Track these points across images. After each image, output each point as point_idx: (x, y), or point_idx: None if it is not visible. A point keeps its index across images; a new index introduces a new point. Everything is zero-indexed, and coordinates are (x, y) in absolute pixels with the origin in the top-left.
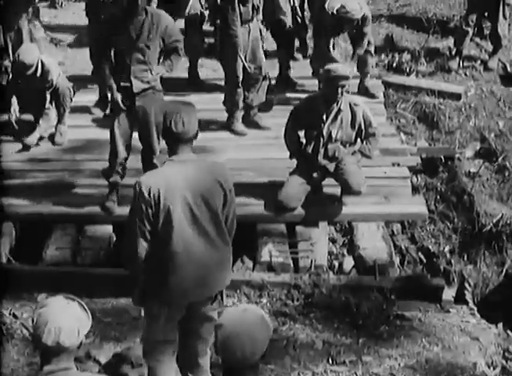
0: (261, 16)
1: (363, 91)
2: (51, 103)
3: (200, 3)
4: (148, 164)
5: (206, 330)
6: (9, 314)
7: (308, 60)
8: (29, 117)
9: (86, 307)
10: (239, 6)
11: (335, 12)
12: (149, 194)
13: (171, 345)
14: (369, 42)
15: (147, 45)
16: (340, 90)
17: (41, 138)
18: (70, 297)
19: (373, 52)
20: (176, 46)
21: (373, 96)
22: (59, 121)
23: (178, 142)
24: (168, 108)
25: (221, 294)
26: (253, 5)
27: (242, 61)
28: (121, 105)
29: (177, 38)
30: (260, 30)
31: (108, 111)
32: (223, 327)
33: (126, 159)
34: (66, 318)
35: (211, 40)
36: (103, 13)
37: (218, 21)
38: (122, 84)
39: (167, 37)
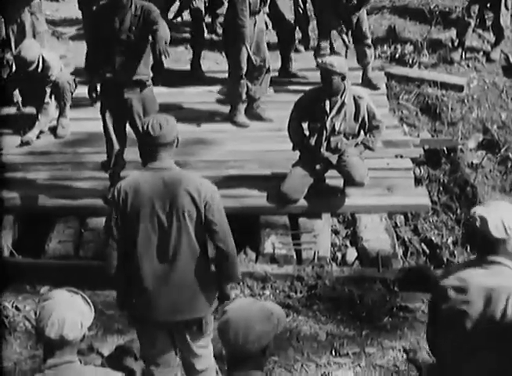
0: (267, 9)
1: (366, 82)
2: (50, 97)
3: None
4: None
5: (198, 362)
6: (12, 307)
7: (310, 52)
8: (30, 110)
9: (89, 300)
10: None
11: None
12: (118, 198)
13: (165, 356)
14: (365, 34)
15: (129, 36)
16: (333, 83)
17: (40, 132)
18: (72, 290)
19: (370, 43)
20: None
21: (375, 87)
22: (61, 114)
23: (155, 148)
24: (145, 118)
25: (201, 323)
26: None
27: (248, 52)
28: (93, 96)
29: (167, 44)
30: (266, 23)
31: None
32: (225, 312)
33: (122, 150)
34: (70, 311)
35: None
36: (95, 5)
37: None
38: (108, 76)
39: (159, 40)
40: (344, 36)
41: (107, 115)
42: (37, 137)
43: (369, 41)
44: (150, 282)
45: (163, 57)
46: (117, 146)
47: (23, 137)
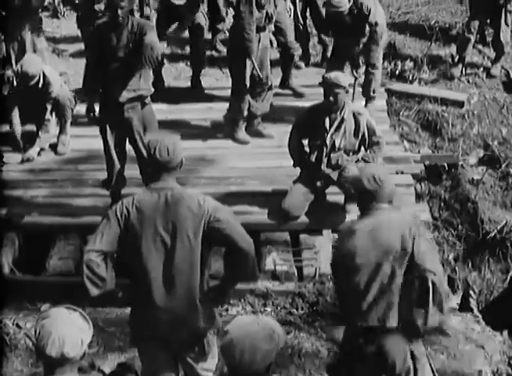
0: (272, 27)
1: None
2: (51, 114)
3: (203, 13)
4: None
5: None
6: (13, 324)
7: (311, 68)
8: (30, 127)
9: (87, 317)
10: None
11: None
12: (120, 215)
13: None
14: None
15: (126, 53)
16: (333, 98)
17: (41, 149)
18: (71, 307)
19: (378, 75)
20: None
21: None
22: (61, 131)
23: (162, 171)
24: (152, 137)
25: (203, 344)
26: (267, 13)
27: (254, 67)
28: (92, 116)
29: (153, 50)
30: (270, 41)
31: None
32: (228, 333)
33: (123, 168)
34: (69, 329)
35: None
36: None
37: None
38: (108, 94)
39: (145, 48)
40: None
41: (107, 134)
42: (38, 154)
43: (377, 73)
44: (152, 300)
45: (148, 66)
46: (117, 165)
47: (24, 154)
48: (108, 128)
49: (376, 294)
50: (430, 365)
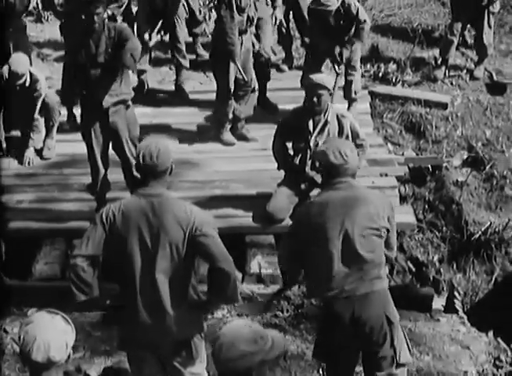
0: (253, 29)
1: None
2: (40, 114)
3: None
4: (130, 177)
5: None
6: (0, 329)
7: (294, 72)
8: (16, 132)
9: (69, 319)
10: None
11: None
12: (105, 220)
13: None
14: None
15: (106, 58)
16: (316, 99)
17: (35, 150)
18: (53, 311)
19: (358, 75)
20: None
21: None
22: (47, 135)
23: (149, 176)
24: (141, 143)
25: (190, 348)
26: (248, 17)
27: (238, 70)
28: (72, 121)
29: (133, 55)
30: (252, 43)
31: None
32: (217, 336)
33: (106, 172)
34: (53, 332)
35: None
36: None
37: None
38: (91, 100)
39: (124, 53)
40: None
41: (91, 139)
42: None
43: (357, 74)
44: (138, 305)
45: (130, 70)
46: (102, 169)
47: (24, 159)
48: (91, 133)
49: (348, 264)
50: (402, 330)
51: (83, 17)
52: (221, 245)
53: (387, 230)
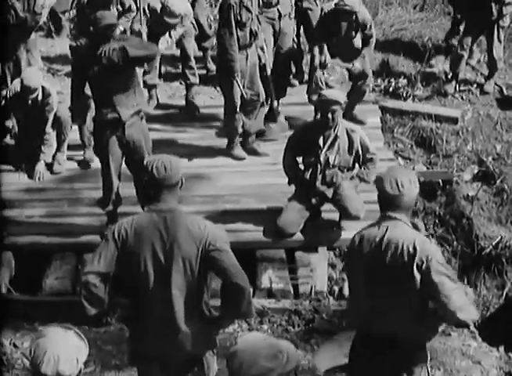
0: (260, 42)
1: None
2: (53, 128)
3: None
4: (142, 192)
5: None
6: (10, 344)
7: (305, 86)
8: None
9: (83, 335)
10: (236, 31)
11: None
12: (117, 236)
13: None
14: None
15: (121, 72)
16: (330, 115)
17: (46, 164)
18: (66, 326)
19: (368, 83)
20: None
21: (361, 123)
22: (58, 149)
23: (160, 190)
24: (148, 158)
25: (202, 365)
26: (251, 31)
27: (239, 86)
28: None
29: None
30: (259, 56)
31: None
32: (234, 352)
33: (118, 187)
34: (64, 347)
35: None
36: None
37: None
38: (109, 116)
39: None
40: (339, 69)
41: (106, 154)
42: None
43: (368, 82)
44: (149, 321)
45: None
46: (116, 185)
47: (35, 173)
48: (107, 147)
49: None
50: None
51: (97, 38)
52: (235, 260)
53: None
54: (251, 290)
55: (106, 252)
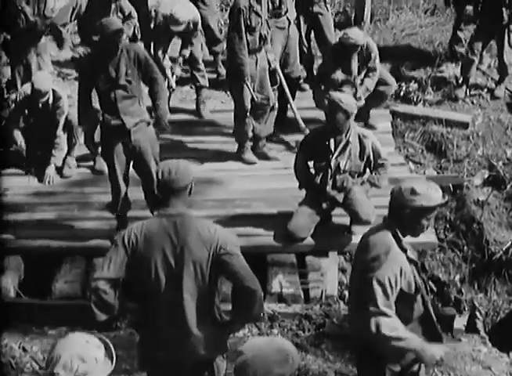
0: (269, 47)
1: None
2: (64, 131)
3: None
4: (150, 197)
5: None
6: (19, 348)
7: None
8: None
9: (107, 340)
10: (246, 35)
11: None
12: (127, 242)
13: None
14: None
15: (128, 80)
16: (337, 118)
17: (56, 168)
18: (101, 338)
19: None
20: (154, 76)
21: (371, 127)
22: (68, 153)
23: (168, 193)
24: (161, 162)
25: (212, 369)
26: (260, 35)
27: (249, 90)
28: (91, 148)
29: (153, 68)
30: (268, 61)
31: None
32: (242, 354)
33: (126, 191)
34: (81, 347)
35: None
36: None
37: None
38: (113, 122)
39: (144, 68)
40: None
41: (112, 160)
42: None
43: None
44: (160, 325)
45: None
46: (123, 189)
47: (45, 177)
48: (114, 153)
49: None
50: None
51: (105, 46)
52: (245, 264)
53: None
54: (262, 294)
55: (115, 258)
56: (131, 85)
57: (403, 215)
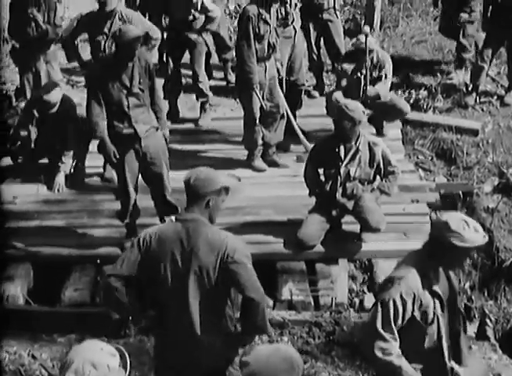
0: (278, 55)
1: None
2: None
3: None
4: (160, 204)
5: None
6: (28, 355)
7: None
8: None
9: (123, 348)
10: (254, 43)
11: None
12: (142, 243)
13: None
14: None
15: (141, 88)
16: (343, 125)
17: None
18: (112, 345)
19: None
20: (155, 87)
21: (381, 135)
22: (80, 160)
23: (188, 197)
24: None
25: None
26: (269, 43)
27: (258, 98)
28: (113, 158)
29: (155, 79)
30: (277, 69)
31: None
32: (249, 366)
33: (135, 199)
34: (93, 353)
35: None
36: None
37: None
38: (125, 131)
39: (151, 77)
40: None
41: (123, 167)
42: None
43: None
44: (170, 331)
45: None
46: (133, 197)
47: (54, 184)
48: (124, 161)
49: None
50: None
51: (123, 53)
52: (252, 274)
53: None
54: (271, 302)
55: (129, 257)
56: (143, 94)
57: (440, 248)
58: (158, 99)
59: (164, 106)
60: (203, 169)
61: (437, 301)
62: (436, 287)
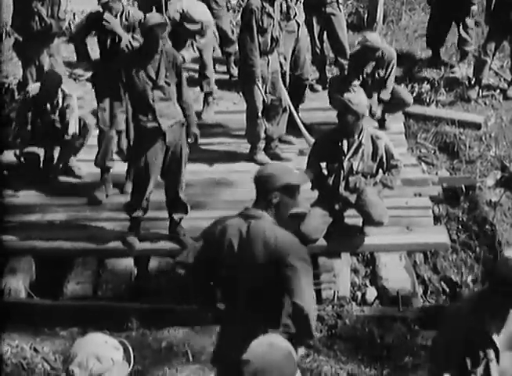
0: (281, 49)
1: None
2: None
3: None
4: (173, 199)
5: None
6: (30, 348)
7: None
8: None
9: (126, 342)
10: (257, 37)
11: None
12: (207, 234)
13: None
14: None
15: (167, 82)
16: (347, 119)
17: (63, 167)
18: (121, 341)
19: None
20: (184, 84)
21: (384, 128)
22: (74, 153)
23: (256, 191)
24: None
25: None
26: (272, 37)
27: (260, 92)
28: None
29: (183, 76)
30: (280, 63)
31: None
32: (250, 364)
33: (150, 193)
34: (97, 346)
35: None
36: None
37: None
38: (149, 125)
39: (178, 74)
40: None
41: (146, 162)
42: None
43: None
44: (227, 323)
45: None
46: (149, 192)
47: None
48: (148, 155)
49: None
50: None
51: (147, 43)
52: (302, 278)
53: None
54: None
55: (196, 246)
56: (169, 88)
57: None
58: (186, 96)
59: (193, 103)
60: (273, 165)
61: (492, 353)
62: (496, 337)
